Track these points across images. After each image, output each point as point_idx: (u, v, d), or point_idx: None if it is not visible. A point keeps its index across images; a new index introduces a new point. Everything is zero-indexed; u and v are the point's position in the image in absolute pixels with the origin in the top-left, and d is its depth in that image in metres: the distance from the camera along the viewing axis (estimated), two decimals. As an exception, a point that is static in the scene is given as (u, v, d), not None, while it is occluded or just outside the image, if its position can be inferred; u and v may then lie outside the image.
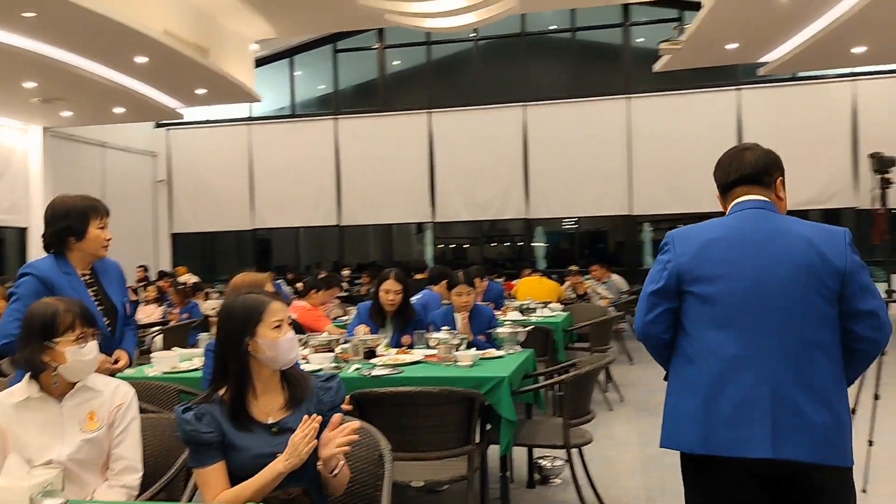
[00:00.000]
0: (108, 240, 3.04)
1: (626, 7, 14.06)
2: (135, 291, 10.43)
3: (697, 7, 9.93)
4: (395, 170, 14.61)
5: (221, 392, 2.06)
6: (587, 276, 9.90)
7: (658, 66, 11.20)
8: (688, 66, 11.20)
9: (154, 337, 6.92)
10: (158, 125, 15.49)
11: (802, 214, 13.57)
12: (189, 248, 16.13)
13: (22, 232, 12.83)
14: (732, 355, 1.93)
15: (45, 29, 8.09)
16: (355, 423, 1.99)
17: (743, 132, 13.47)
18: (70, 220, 2.93)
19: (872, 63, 11.21)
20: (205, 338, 4.14)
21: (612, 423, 5.68)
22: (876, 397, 3.96)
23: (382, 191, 14.65)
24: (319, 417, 1.96)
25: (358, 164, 14.82)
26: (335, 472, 1.99)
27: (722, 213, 2.24)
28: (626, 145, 13.87)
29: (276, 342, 2.03)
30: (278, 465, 1.94)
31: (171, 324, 7.58)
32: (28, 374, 2.18)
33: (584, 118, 14.03)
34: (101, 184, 14.11)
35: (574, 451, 3.66)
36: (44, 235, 2.99)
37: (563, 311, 7.01)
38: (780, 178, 2.15)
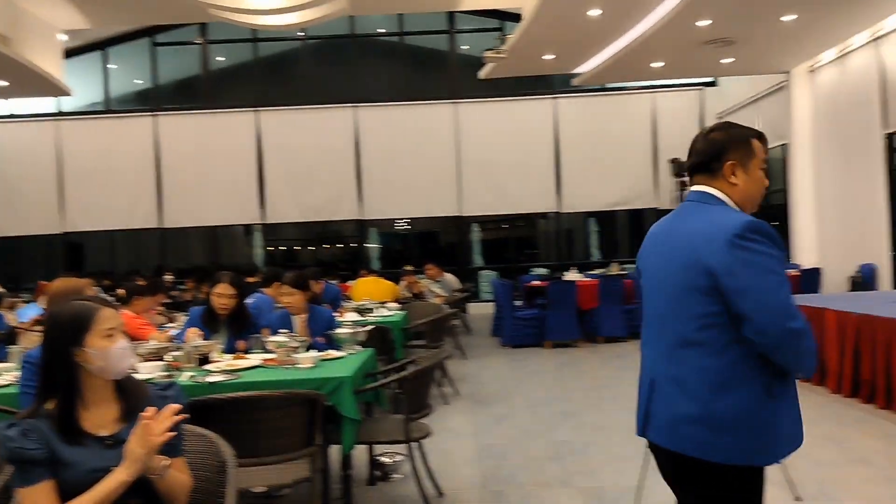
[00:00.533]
0: None
1: (451, 15, 14.51)
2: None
3: (518, 19, 10.49)
4: (221, 170, 14.05)
5: (49, 406, 1.91)
6: (422, 276, 10.11)
7: (483, 74, 11.67)
8: (510, 74, 11.78)
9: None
10: (-53, 118, 13.84)
11: (610, 215, 14.67)
12: (-13, 254, 14.55)
13: None
14: (642, 345, 2.15)
15: None
16: (176, 406, 1.91)
17: (560, 137, 14.36)
18: None
19: (669, 77, 12.37)
20: (17, 350, 3.78)
21: (449, 416, 5.86)
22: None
23: (207, 191, 14.04)
24: (150, 412, 1.87)
25: (180, 163, 14.09)
26: (159, 472, 1.91)
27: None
28: (455, 149, 14.30)
29: (107, 351, 1.93)
30: (120, 475, 1.85)
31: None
32: None
33: (415, 121, 14.30)
34: None
35: (414, 445, 3.76)
36: None
37: (400, 310, 7.11)
38: (732, 161, 1.99)
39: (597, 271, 11.40)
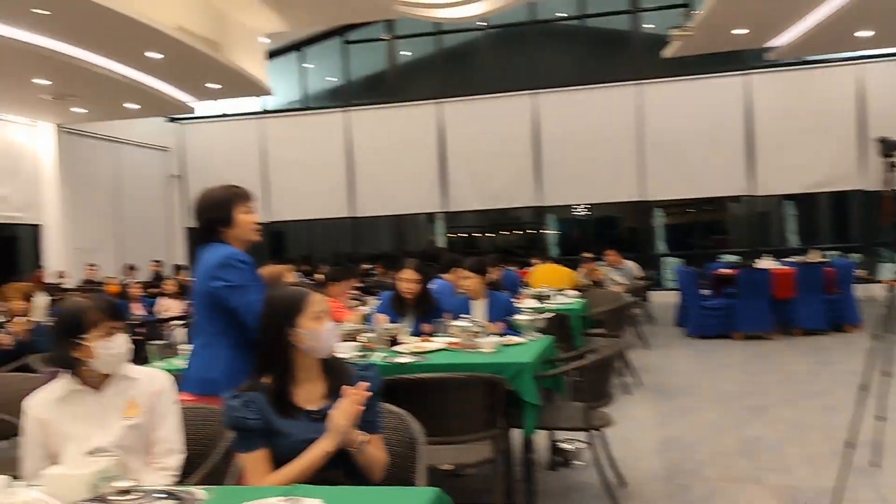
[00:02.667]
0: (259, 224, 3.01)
1: (634, -7, 14.06)
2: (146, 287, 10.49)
3: (706, -8, 9.93)
4: (406, 160, 14.69)
5: (265, 380, 2.15)
6: (601, 263, 9.95)
7: (668, 53, 11.20)
8: (697, 51, 11.20)
9: (174, 330, 7.03)
10: (171, 120, 15.61)
11: (809, 198, 13.52)
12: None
13: (35, 229, 12.98)
14: None
15: (56, 25, 8.19)
16: (367, 384, 2.06)
17: (753, 116, 13.46)
18: (214, 211, 2.91)
19: (878, 47, 11.16)
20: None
21: (631, 407, 5.77)
22: (885, 374, 4.01)
23: (394, 182, 14.74)
24: (356, 388, 2.03)
25: (369, 155, 14.91)
26: (357, 446, 2.05)
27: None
28: (637, 131, 13.88)
29: (318, 332, 2.13)
30: (323, 445, 2.03)
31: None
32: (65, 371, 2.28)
33: (595, 105, 14.04)
34: (115, 179, 14.26)
35: (596, 433, 3.75)
36: (197, 230, 2.99)
37: (579, 297, 7.07)
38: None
39: (794, 258, 10.60)
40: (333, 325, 2.19)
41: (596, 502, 3.81)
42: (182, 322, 7.33)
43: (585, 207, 15.89)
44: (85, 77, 9.81)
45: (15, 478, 1.84)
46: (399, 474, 2.31)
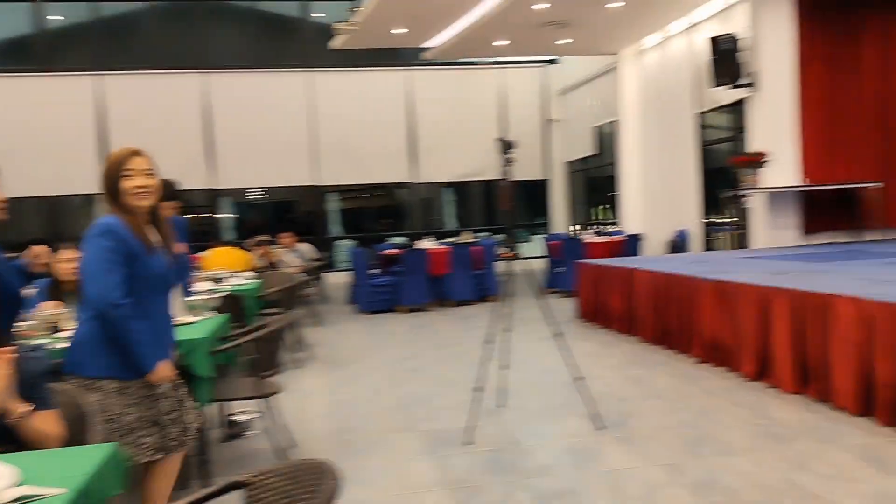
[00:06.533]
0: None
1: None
2: None
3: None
4: (58, 136, 13.32)
5: None
6: (277, 246, 10.22)
7: (335, 45, 11.79)
8: (362, 46, 11.98)
9: None
10: None
11: (465, 185, 15.23)
12: None
13: None
14: None
15: None
16: (9, 349, 2.06)
17: (415, 110, 14.77)
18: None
19: (514, 55, 13.06)
20: None
21: (303, 379, 6.18)
22: (507, 330, 4.95)
23: (44, 159, 13.27)
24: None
25: (12, 128, 13.20)
26: (17, 417, 2.05)
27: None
28: (310, 117, 14.35)
29: None
30: None
31: None
32: None
33: (268, 89, 14.19)
34: None
35: (267, 402, 4.05)
36: None
37: (255, 279, 7.26)
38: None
39: (451, 239, 11.97)
40: None
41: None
42: None
43: (262, 191, 15.97)
44: None
45: None
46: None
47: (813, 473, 3.51)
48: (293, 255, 10.10)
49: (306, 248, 10.59)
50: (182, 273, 3.14)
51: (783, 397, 4.84)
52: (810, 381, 4.73)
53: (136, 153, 2.76)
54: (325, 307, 10.49)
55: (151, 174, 2.77)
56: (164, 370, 2.76)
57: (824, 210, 9.08)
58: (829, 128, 8.99)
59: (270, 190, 15.74)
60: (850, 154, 9.04)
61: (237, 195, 15.65)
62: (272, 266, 9.49)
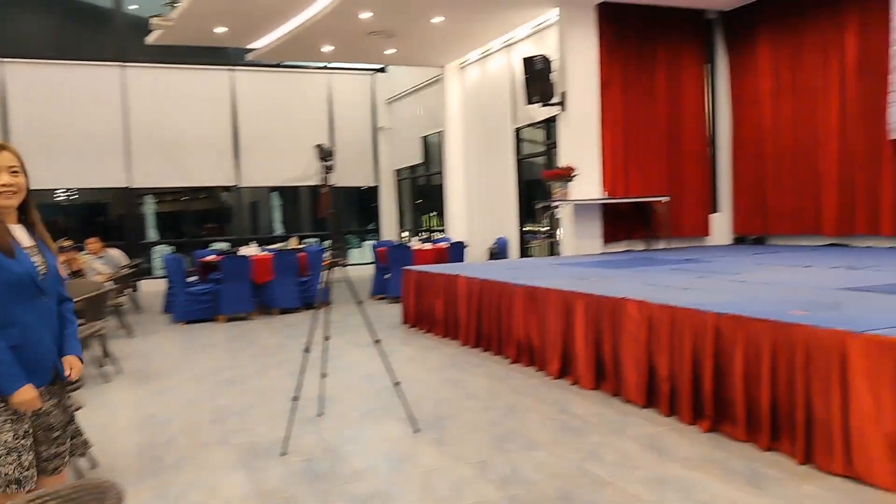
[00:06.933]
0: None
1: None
2: None
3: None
4: None
5: None
6: (83, 251, 9.53)
7: (150, 40, 11.20)
8: (180, 42, 11.48)
9: None
10: None
11: (294, 190, 15.00)
12: None
13: None
14: None
15: None
16: None
17: (238, 111, 14.35)
18: None
19: (340, 61, 13.11)
20: None
21: (110, 393, 5.81)
22: (326, 338, 4.97)
23: None
24: None
25: None
26: None
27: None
28: (123, 115, 13.50)
29: None
30: None
31: None
32: None
33: (75, 82, 13.18)
34: None
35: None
36: None
37: (53, 288, 6.72)
38: None
39: (277, 245, 11.74)
40: None
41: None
42: None
43: (72, 192, 14.77)
44: None
45: None
46: None
47: (603, 462, 3.85)
48: (101, 261, 9.46)
49: (117, 254, 9.96)
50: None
51: (583, 393, 5.25)
52: (606, 377, 5.18)
53: (1, 147, 2.45)
54: (138, 317, 9.92)
55: (17, 172, 2.48)
56: (25, 395, 2.30)
57: (622, 221, 9.99)
58: (626, 146, 9.88)
59: (81, 191, 14.60)
60: (644, 170, 10.01)
61: (44, 196, 14.35)
62: (77, 274, 8.84)
